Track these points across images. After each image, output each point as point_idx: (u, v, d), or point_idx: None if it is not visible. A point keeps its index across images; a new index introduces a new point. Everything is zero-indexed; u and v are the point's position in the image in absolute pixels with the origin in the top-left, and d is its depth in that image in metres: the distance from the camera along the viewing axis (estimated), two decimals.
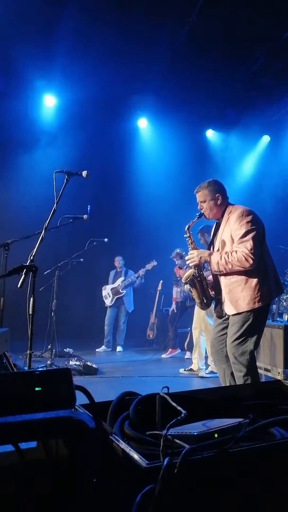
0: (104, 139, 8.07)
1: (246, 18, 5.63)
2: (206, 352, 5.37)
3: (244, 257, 2.79)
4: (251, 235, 2.84)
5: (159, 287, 7.89)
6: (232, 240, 2.93)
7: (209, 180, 3.14)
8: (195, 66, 6.74)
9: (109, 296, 7.52)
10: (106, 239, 6.58)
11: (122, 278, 7.48)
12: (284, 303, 6.04)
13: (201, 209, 3.12)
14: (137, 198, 8.51)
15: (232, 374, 2.97)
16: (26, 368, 3.02)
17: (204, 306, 3.23)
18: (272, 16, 5.65)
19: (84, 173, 3.27)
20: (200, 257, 3.04)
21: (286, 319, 4.66)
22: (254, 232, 2.85)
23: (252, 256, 2.79)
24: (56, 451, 1.36)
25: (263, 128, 8.91)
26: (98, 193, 8.27)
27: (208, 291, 3.18)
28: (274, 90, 7.45)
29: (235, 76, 7.10)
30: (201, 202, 3.12)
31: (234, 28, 5.84)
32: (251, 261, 2.79)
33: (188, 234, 3.20)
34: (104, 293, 7.61)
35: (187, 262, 3.16)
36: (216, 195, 3.06)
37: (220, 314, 3.07)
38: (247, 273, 2.87)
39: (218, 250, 3.04)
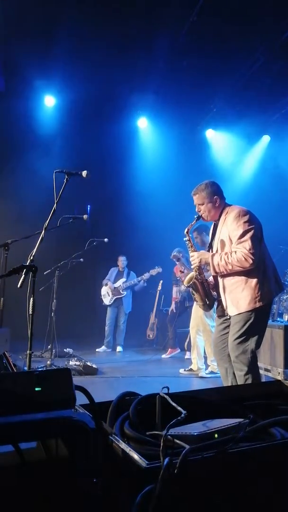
0: (104, 139, 8.08)
1: (246, 18, 5.62)
2: (204, 352, 5.36)
3: (244, 257, 2.79)
4: (249, 234, 2.84)
5: (159, 287, 7.88)
6: (230, 240, 2.93)
7: (206, 181, 3.10)
8: (194, 66, 6.74)
9: (108, 296, 7.50)
10: (106, 239, 6.57)
11: (124, 279, 7.46)
12: (284, 303, 6.04)
13: (199, 211, 3.10)
14: (137, 198, 8.50)
15: (234, 373, 2.97)
16: (26, 368, 3.01)
17: (207, 307, 3.22)
18: (272, 16, 5.65)
19: (84, 173, 3.25)
20: (201, 259, 3.04)
21: (286, 319, 4.66)
22: (252, 231, 2.85)
23: (251, 256, 2.78)
24: (56, 451, 1.36)
25: (263, 128, 8.91)
26: (98, 193, 8.27)
27: (210, 293, 3.18)
28: (274, 90, 7.44)
29: (235, 75, 7.10)
30: (198, 204, 3.09)
31: (234, 28, 5.83)
32: (250, 261, 2.79)
33: (187, 238, 3.18)
34: (103, 291, 7.57)
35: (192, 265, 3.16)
36: (214, 197, 3.04)
37: (222, 314, 3.07)
38: (247, 273, 2.87)
39: (217, 251, 3.04)
